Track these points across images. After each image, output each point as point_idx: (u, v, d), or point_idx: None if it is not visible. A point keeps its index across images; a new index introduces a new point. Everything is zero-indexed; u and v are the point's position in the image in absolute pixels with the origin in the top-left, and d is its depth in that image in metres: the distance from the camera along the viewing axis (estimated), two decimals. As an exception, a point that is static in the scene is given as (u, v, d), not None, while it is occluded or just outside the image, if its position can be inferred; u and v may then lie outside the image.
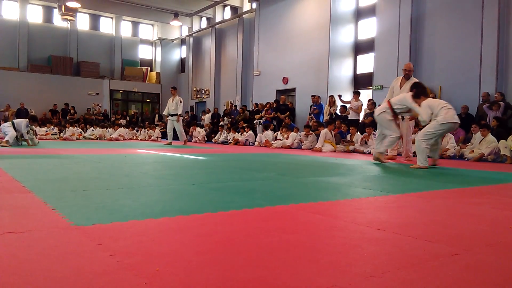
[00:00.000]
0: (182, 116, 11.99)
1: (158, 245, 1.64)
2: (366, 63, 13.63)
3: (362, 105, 11.78)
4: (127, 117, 21.14)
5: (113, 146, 10.86)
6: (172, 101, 11.74)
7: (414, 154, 7.15)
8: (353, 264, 1.47)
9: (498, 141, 7.65)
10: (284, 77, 15.86)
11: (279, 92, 16.02)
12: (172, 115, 11.78)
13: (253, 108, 16.32)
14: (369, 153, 9.55)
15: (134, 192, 2.98)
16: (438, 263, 1.51)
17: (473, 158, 7.76)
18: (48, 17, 21.19)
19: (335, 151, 10.16)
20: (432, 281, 1.32)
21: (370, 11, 13.33)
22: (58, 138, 15.17)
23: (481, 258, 1.59)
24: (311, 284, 1.26)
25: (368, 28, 13.56)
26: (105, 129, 16.91)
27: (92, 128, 17.07)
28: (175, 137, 12.62)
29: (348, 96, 13.15)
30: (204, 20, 23.11)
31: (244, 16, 18.71)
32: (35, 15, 20.77)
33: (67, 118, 18.48)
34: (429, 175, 4.80)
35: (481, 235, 1.97)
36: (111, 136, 16.19)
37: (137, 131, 18.15)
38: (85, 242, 1.66)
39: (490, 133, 7.93)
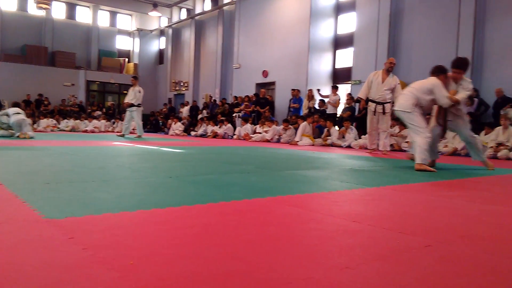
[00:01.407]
0: (139, 106, 11.45)
1: (132, 238, 1.61)
2: (345, 58, 13.73)
3: (340, 99, 11.88)
4: (104, 109, 20.76)
5: (88, 138, 10.66)
6: (132, 91, 11.34)
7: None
8: (328, 256, 1.48)
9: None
10: (264, 71, 15.84)
11: (259, 86, 16.00)
12: (130, 106, 11.35)
13: (232, 101, 16.26)
14: (347, 147, 9.66)
15: (109, 185, 2.93)
16: (412, 254, 1.53)
17: (447, 152, 7.94)
18: (22, 5, 20.55)
19: (313, 145, 10.23)
20: (406, 272, 1.33)
21: (350, 6, 13.40)
22: (32, 129, 14.77)
23: (454, 249, 1.62)
24: (287, 276, 1.26)
25: (348, 23, 13.65)
26: (79, 120, 16.57)
27: (66, 119, 16.71)
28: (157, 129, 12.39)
29: (327, 90, 13.24)
30: (183, 11, 22.83)
31: (224, 8, 18.56)
32: (9, 3, 20.10)
33: (41, 109, 18.03)
34: (404, 169, 4.88)
35: (454, 227, 2.01)
36: (86, 128, 15.90)
37: (113, 123, 17.87)
38: (57, 236, 1.62)
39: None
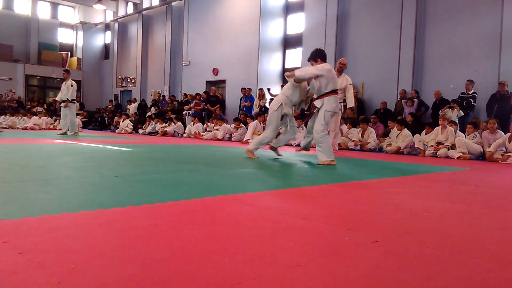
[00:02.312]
0: (73, 102, 10.89)
1: (74, 241, 1.52)
2: (295, 58, 13.93)
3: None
4: (45, 105, 19.71)
5: (27, 135, 10.08)
6: (65, 85, 10.77)
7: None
8: (279, 254, 1.47)
9: (413, 135, 8.22)
10: (214, 68, 15.73)
11: (209, 83, 15.88)
12: (63, 101, 10.76)
13: (182, 98, 16.01)
14: (297, 145, 9.81)
15: (49, 185, 2.76)
16: (360, 250, 1.56)
17: (391, 151, 8.27)
18: (-48, -8, 19.07)
19: (263, 143, 10.28)
20: (354, 268, 1.36)
21: (299, 7, 13.62)
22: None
23: (399, 244, 1.68)
24: (237, 275, 1.24)
25: (297, 23, 13.85)
26: (19, 117, 15.64)
27: (3, 116, 15.72)
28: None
29: (277, 89, 13.37)
30: (130, 5, 22.15)
31: (173, 3, 18.21)
32: None
33: (-26, 104, 16.85)
34: (351, 167, 5.02)
35: (398, 222, 2.09)
36: (26, 125, 15.04)
37: (55, 120, 17.02)
38: (-11, 240, 1.50)
39: (405, 128, 8.49)
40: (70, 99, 10.61)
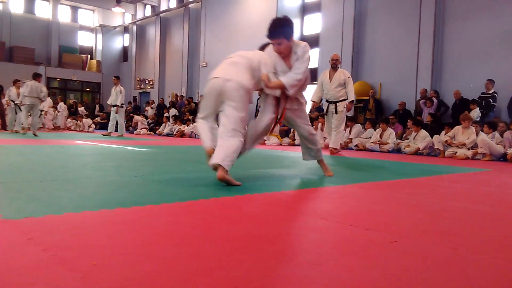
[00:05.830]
0: (122, 106, 11.60)
1: (95, 238, 1.55)
2: (312, 58, 13.85)
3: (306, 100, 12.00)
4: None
5: (48, 137, 10.29)
6: (113, 90, 11.47)
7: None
8: (297, 253, 1.48)
9: (433, 136, 8.10)
10: (230, 70, 15.78)
11: (226, 85, 15.93)
12: (113, 106, 11.47)
13: (199, 100, 16.12)
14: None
15: (71, 184, 2.82)
16: (378, 250, 1.55)
17: (410, 152, 8.17)
18: (-24, -3, 19.58)
19: (280, 144, 10.29)
20: (373, 267, 1.35)
21: (315, 7, 13.57)
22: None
23: (418, 244, 1.66)
24: (255, 273, 1.25)
25: (314, 24, 13.80)
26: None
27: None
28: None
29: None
30: (148, 7, 22.43)
31: (190, 5, 18.37)
32: (-39, -6, 19.12)
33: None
34: (369, 168, 4.98)
35: (417, 223, 2.06)
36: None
37: (76, 121, 17.31)
38: (15, 236, 1.54)
39: (422, 129, 8.37)
40: (119, 105, 11.14)
